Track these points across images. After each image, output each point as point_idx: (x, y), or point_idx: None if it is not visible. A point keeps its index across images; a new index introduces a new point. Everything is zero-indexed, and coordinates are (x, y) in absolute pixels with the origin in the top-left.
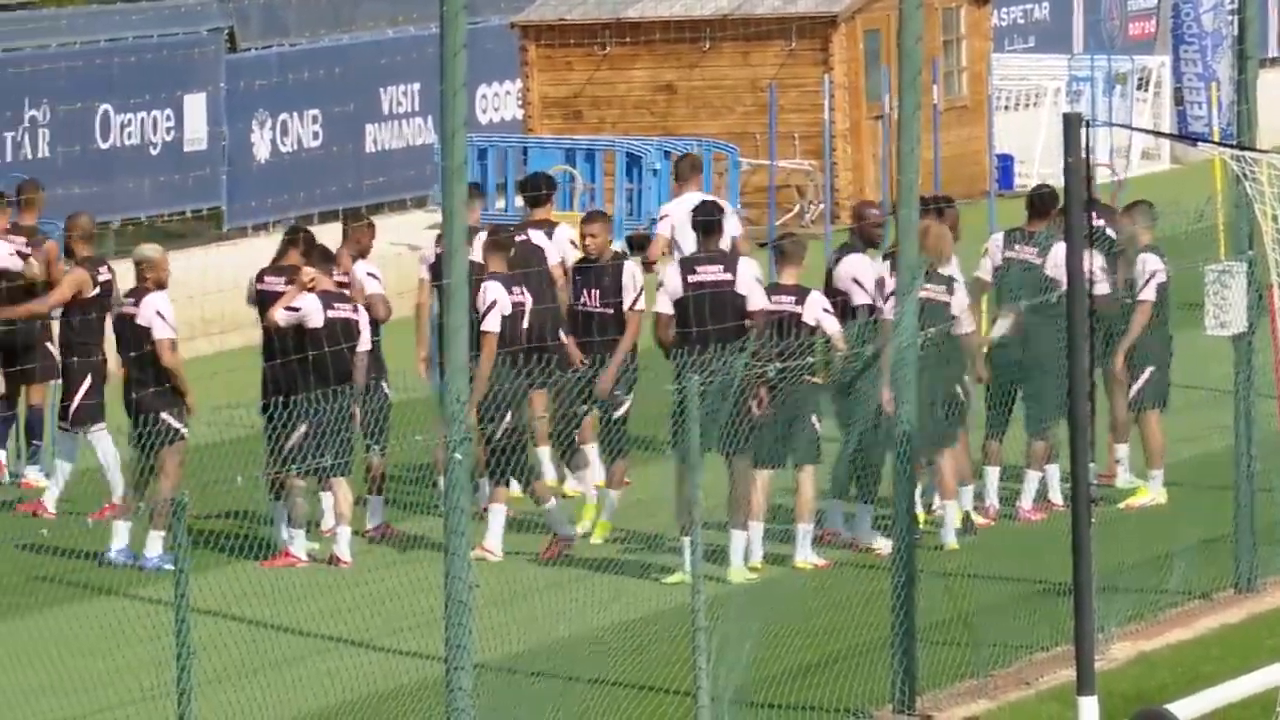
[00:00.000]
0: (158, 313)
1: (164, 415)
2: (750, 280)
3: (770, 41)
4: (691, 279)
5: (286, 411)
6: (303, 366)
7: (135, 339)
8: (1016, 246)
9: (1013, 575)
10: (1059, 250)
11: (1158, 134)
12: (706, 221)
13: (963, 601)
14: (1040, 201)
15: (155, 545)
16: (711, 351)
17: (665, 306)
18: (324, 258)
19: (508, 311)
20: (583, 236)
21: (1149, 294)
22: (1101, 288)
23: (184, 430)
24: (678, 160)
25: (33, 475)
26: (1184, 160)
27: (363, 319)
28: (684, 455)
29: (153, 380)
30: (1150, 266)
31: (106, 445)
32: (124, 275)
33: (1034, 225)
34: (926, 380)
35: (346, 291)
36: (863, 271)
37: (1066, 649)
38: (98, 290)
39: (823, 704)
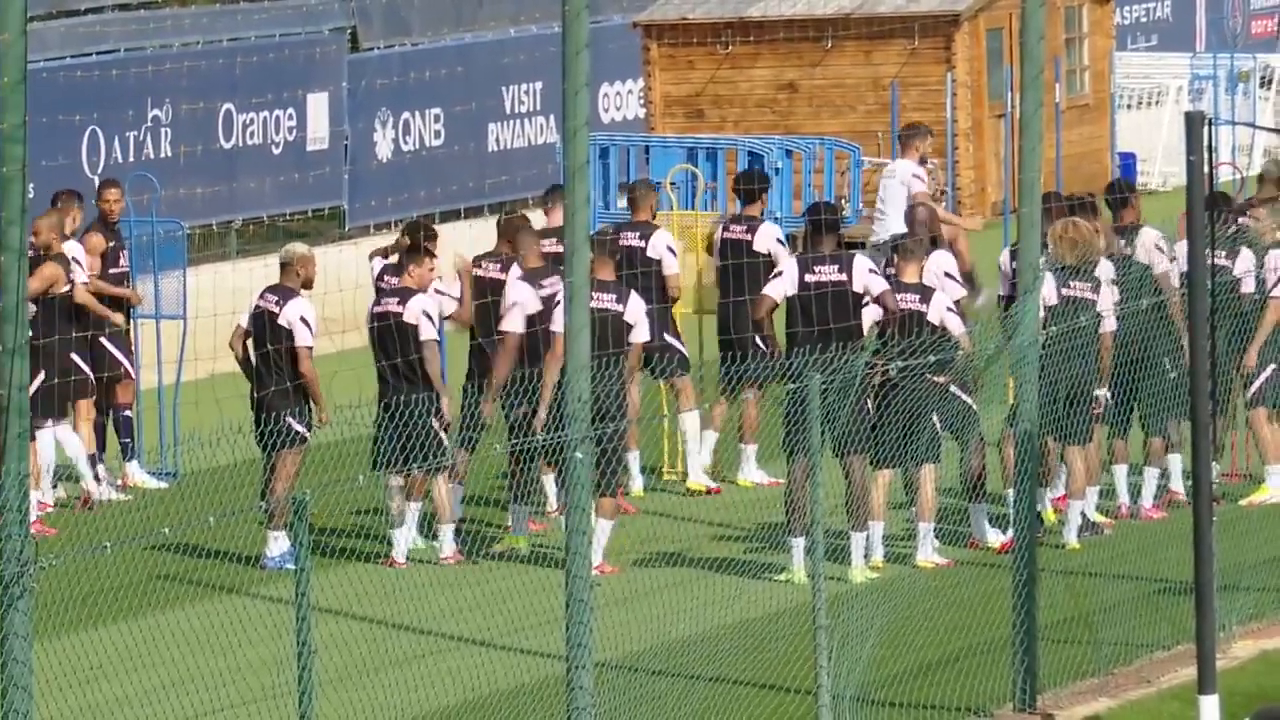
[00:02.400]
0: (302, 318)
1: (288, 417)
2: (864, 274)
3: (892, 40)
4: (808, 278)
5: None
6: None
7: (272, 337)
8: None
9: (1134, 574)
10: (1147, 235)
11: None
12: (821, 222)
13: (1084, 600)
14: (1120, 201)
15: (275, 545)
16: (831, 350)
17: (774, 290)
18: (426, 255)
19: (534, 310)
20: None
21: None
22: (1248, 284)
23: (306, 434)
24: (903, 127)
25: (135, 474)
26: None
27: (412, 313)
28: (790, 454)
29: (280, 380)
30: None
31: (46, 442)
32: (249, 274)
33: (1122, 219)
34: (1062, 375)
35: (398, 283)
36: (952, 265)
37: (1188, 647)
38: (69, 287)
39: (944, 702)
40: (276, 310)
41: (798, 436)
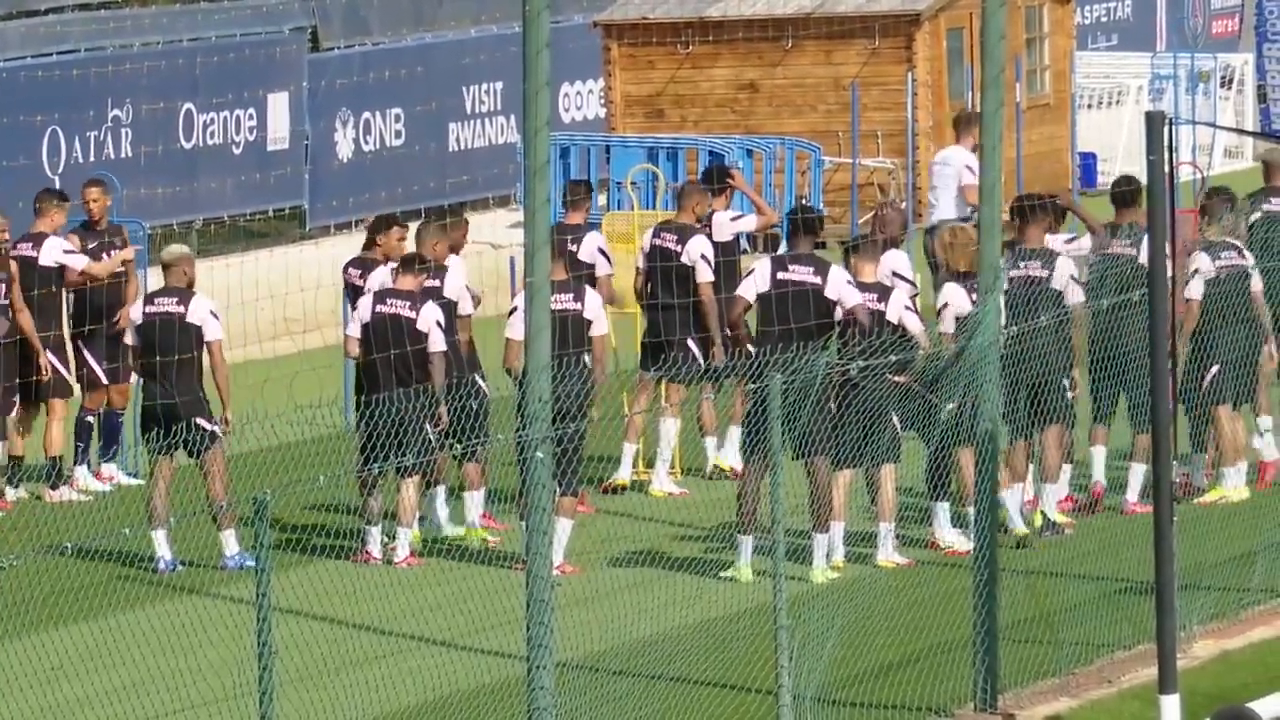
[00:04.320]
0: (211, 313)
1: (198, 420)
2: (841, 283)
3: (853, 40)
4: (781, 275)
5: (365, 410)
6: (367, 365)
7: (178, 339)
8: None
9: (1094, 574)
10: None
11: (1241, 132)
12: (800, 221)
13: (1045, 600)
14: (1123, 196)
15: (231, 545)
16: (793, 350)
17: (745, 291)
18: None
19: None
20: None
21: (1194, 292)
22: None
23: (219, 431)
24: (956, 114)
25: (83, 478)
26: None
27: (425, 320)
28: (749, 453)
29: (189, 383)
30: (1194, 264)
31: None
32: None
33: (1122, 218)
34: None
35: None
36: (902, 265)
37: (1148, 647)
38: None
39: (905, 702)
40: (183, 309)
41: (757, 436)
